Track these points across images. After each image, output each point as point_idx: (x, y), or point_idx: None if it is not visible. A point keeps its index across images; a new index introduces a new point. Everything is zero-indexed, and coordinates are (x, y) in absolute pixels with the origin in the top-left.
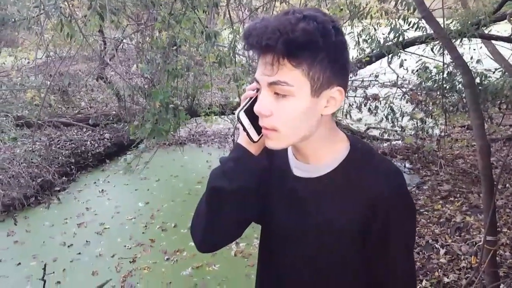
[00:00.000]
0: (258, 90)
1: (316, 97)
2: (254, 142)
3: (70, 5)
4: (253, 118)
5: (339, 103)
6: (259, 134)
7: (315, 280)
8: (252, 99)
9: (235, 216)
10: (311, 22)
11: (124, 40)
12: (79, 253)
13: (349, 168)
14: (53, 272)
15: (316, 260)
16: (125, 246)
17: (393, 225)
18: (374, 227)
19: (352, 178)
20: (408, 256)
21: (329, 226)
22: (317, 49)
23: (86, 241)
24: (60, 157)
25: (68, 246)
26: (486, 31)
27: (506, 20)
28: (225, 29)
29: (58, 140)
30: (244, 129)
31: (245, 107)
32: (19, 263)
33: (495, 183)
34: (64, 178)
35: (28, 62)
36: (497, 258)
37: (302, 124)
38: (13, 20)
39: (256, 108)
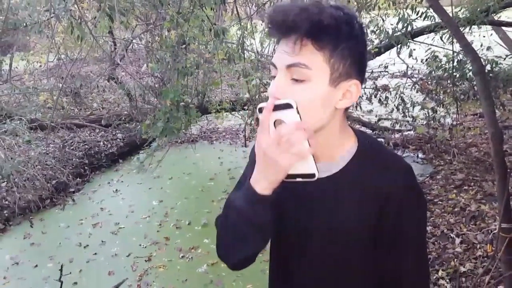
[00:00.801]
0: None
1: (334, 87)
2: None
3: (80, 8)
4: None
5: (355, 97)
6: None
7: (325, 278)
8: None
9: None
10: (338, 10)
11: (134, 40)
12: (95, 254)
13: (359, 166)
14: (70, 273)
15: (327, 258)
16: (140, 245)
17: (405, 221)
18: (386, 224)
19: (362, 176)
20: (421, 251)
21: (340, 224)
22: (341, 36)
23: (102, 241)
24: (73, 159)
25: (84, 247)
26: (496, 18)
27: None
28: (233, 25)
29: (72, 142)
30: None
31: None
32: (36, 265)
33: (508, 170)
34: (78, 179)
35: (40, 66)
36: None
37: (316, 113)
38: (24, 24)
39: (270, 89)
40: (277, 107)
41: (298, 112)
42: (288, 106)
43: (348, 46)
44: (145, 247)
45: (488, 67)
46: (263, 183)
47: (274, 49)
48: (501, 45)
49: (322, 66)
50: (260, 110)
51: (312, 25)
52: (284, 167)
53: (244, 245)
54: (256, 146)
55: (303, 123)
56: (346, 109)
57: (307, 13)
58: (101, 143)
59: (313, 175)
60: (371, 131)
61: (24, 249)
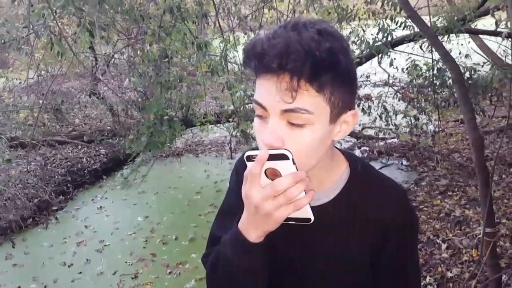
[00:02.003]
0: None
1: (333, 123)
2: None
3: (59, 23)
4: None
5: (352, 127)
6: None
7: None
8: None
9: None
10: (331, 39)
11: (115, 55)
12: (80, 273)
13: (352, 193)
14: None
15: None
16: (126, 262)
17: (404, 245)
18: (386, 251)
19: (356, 203)
20: (417, 270)
21: (337, 255)
22: (340, 70)
23: (87, 260)
24: (56, 176)
25: (69, 266)
26: (472, 26)
27: (490, 15)
28: (215, 38)
29: (54, 159)
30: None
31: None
32: (19, 287)
33: (490, 175)
34: (61, 197)
35: (20, 83)
36: (497, 249)
37: (315, 153)
38: (2, 41)
39: (265, 138)
40: (274, 157)
41: (294, 163)
42: (283, 156)
43: (345, 78)
44: (131, 264)
45: (467, 74)
46: (255, 233)
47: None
48: (478, 53)
49: (323, 106)
50: (248, 158)
51: (313, 68)
52: (281, 219)
53: None
54: (244, 197)
55: (300, 174)
56: None
57: (305, 53)
58: (84, 159)
59: (308, 220)
60: (356, 139)
61: (6, 271)
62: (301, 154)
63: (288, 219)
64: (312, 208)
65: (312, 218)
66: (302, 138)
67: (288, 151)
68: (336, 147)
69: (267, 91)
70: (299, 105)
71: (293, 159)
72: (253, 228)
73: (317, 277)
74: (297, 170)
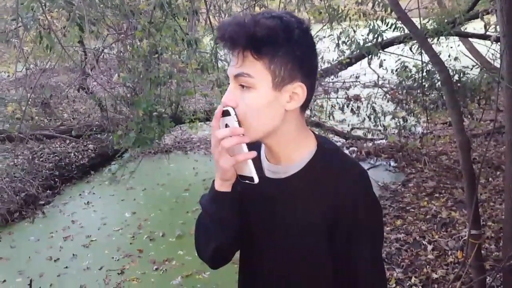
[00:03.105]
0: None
1: (278, 91)
2: (255, 183)
3: (49, 17)
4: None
5: (302, 98)
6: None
7: (285, 276)
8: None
9: (238, 239)
10: (275, 20)
11: (105, 50)
12: (66, 267)
13: (316, 168)
14: None
15: (285, 257)
16: (113, 257)
17: (359, 224)
18: (341, 226)
19: (319, 177)
20: (374, 256)
21: (297, 224)
22: (278, 44)
23: (73, 255)
24: (43, 170)
25: (55, 261)
26: (462, 29)
27: (479, 18)
28: (206, 35)
29: (41, 153)
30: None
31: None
32: (4, 280)
33: (476, 177)
34: (48, 191)
35: (8, 76)
36: (482, 251)
37: (265, 117)
38: None
39: (223, 99)
40: (224, 113)
41: (237, 119)
42: (228, 113)
43: (286, 51)
44: (118, 259)
45: (456, 77)
46: (217, 181)
47: None
48: (467, 56)
49: (263, 73)
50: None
51: (248, 38)
52: (224, 168)
53: (207, 238)
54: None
55: (238, 129)
56: (302, 112)
57: (243, 28)
58: (72, 154)
59: (252, 179)
60: (344, 139)
61: None
62: (250, 115)
63: (241, 177)
64: (279, 180)
65: (256, 179)
66: (248, 99)
67: (232, 108)
68: (313, 131)
69: (230, 66)
70: (243, 70)
71: (236, 115)
72: (216, 177)
73: (275, 249)
74: (239, 126)
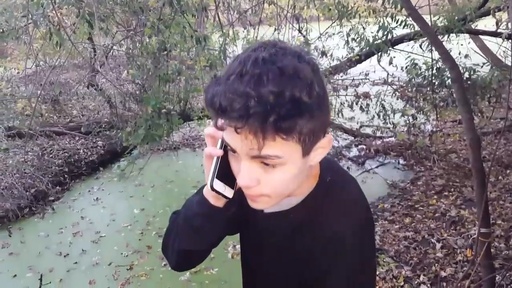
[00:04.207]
0: (222, 143)
1: (307, 155)
2: (229, 199)
3: (59, 14)
4: (224, 173)
5: (328, 149)
6: (232, 187)
7: None
8: (219, 159)
9: (207, 254)
10: (295, 81)
11: (114, 47)
12: (76, 263)
13: (312, 204)
14: (50, 283)
15: None
16: (122, 253)
17: (339, 260)
18: (323, 261)
19: (314, 215)
20: None
21: (291, 257)
22: (307, 112)
23: (82, 250)
24: (53, 167)
25: (64, 256)
26: (473, 26)
27: (491, 15)
28: (214, 32)
29: (51, 150)
30: (219, 193)
31: (215, 173)
32: (15, 275)
33: (486, 176)
34: (58, 187)
35: (18, 72)
36: (492, 250)
37: (294, 183)
38: (1, 30)
39: (241, 181)
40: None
41: (221, 145)
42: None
43: (314, 112)
44: (127, 255)
45: (466, 75)
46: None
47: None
48: (478, 53)
49: (293, 147)
50: (213, 188)
51: (278, 123)
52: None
53: (190, 259)
54: None
55: (214, 152)
56: None
57: (266, 109)
58: (81, 150)
59: (225, 196)
60: (353, 137)
61: (2, 259)
62: (280, 189)
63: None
64: (275, 213)
65: (230, 196)
66: (277, 177)
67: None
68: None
69: (233, 140)
70: (269, 152)
71: (222, 143)
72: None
73: (272, 281)
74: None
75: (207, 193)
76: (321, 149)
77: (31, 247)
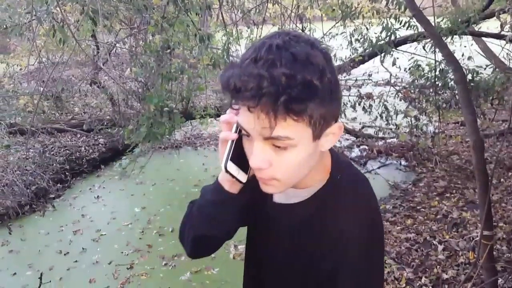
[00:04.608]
0: (238, 127)
1: (318, 139)
2: (243, 183)
3: (62, 11)
4: (238, 158)
5: (338, 136)
6: (246, 172)
7: None
8: (234, 142)
9: (222, 242)
10: (307, 66)
11: (117, 45)
12: (76, 261)
13: (323, 199)
14: (50, 281)
15: (286, 284)
16: (122, 252)
17: (348, 262)
18: (329, 260)
19: (323, 211)
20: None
21: (296, 252)
22: (318, 95)
23: (83, 249)
24: (54, 164)
25: (65, 254)
26: (476, 28)
27: (495, 17)
28: (218, 31)
29: (52, 147)
30: (233, 176)
31: (230, 155)
32: (15, 273)
33: (489, 178)
34: (59, 185)
35: (21, 69)
36: (494, 252)
37: (305, 168)
38: (4, 26)
39: (253, 163)
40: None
41: (236, 129)
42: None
43: (324, 98)
44: (127, 254)
45: (469, 77)
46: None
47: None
48: (481, 54)
49: (304, 129)
50: (227, 170)
51: (287, 103)
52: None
53: (207, 245)
54: None
55: (229, 136)
56: None
57: (278, 89)
58: (83, 148)
59: (239, 180)
60: (355, 138)
61: (2, 257)
62: (291, 173)
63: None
64: (284, 205)
65: (243, 180)
66: (288, 159)
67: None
68: (330, 150)
69: (247, 121)
70: (280, 134)
71: (236, 127)
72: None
73: (276, 273)
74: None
75: (222, 179)
76: (332, 135)
77: (31, 245)
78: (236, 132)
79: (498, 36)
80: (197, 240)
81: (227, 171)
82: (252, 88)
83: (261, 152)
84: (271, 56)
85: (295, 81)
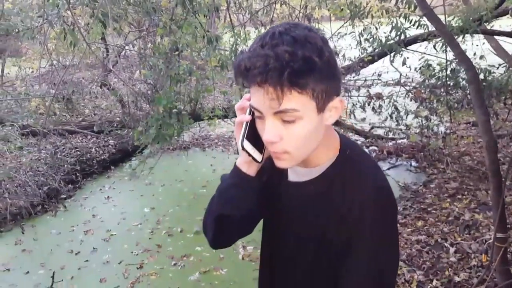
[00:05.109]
0: (251, 110)
1: (322, 112)
2: (259, 162)
3: (73, 14)
4: (253, 139)
5: (341, 110)
6: (261, 152)
7: (299, 282)
8: (249, 122)
9: (242, 229)
10: (306, 45)
11: (127, 47)
12: (87, 261)
13: (333, 175)
14: (62, 280)
15: (298, 263)
16: (132, 252)
17: (361, 236)
18: (342, 236)
19: (334, 185)
20: (374, 274)
21: (308, 230)
22: (318, 70)
23: (93, 248)
24: (65, 165)
25: (76, 254)
26: (488, 27)
27: (508, 15)
28: (226, 32)
29: (63, 148)
30: (249, 155)
31: (245, 134)
32: (28, 272)
33: (503, 179)
34: (70, 185)
35: (32, 72)
36: (508, 255)
37: (312, 141)
38: (16, 30)
39: (266, 138)
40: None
41: (250, 112)
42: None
43: (324, 74)
44: (137, 254)
45: (481, 76)
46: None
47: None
48: (494, 53)
49: (308, 103)
50: (243, 147)
51: (292, 77)
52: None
53: (227, 230)
54: None
55: (241, 118)
56: None
57: (283, 65)
58: (93, 149)
59: (255, 159)
60: (364, 139)
61: (15, 256)
62: (300, 145)
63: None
64: (299, 183)
65: (259, 159)
66: (296, 131)
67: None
68: (338, 132)
69: (258, 99)
70: (287, 107)
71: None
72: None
73: (291, 252)
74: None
75: (239, 162)
76: (335, 109)
77: (43, 244)
78: (249, 114)
79: (511, 34)
80: (218, 221)
81: (243, 149)
82: (260, 65)
83: (272, 127)
84: (274, 40)
85: (296, 56)
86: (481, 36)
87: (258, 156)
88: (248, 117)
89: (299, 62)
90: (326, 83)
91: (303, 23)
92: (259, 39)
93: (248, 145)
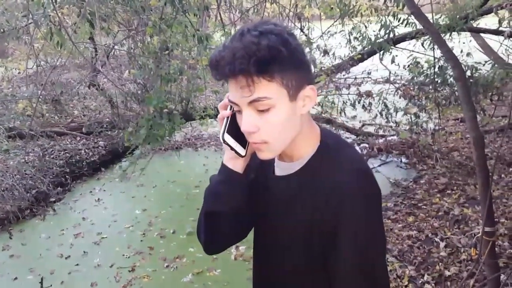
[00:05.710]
0: (231, 107)
1: (294, 100)
2: (242, 157)
3: (60, 13)
4: (236, 135)
5: (314, 99)
6: (244, 147)
7: (287, 274)
8: (230, 117)
9: (233, 230)
10: (271, 36)
11: (116, 47)
12: (77, 264)
13: (316, 165)
14: (51, 285)
15: (286, 255)
16: (124, 255)
17: (343, 222)
18: (326, 224)
19: (316, 175)
20: (358, 261)
21: (295, 222)
22: (283, 58)
23: (84, 252)
24: (54, 167)
25: (66, 258)
26: (474, 25)
27: (493, 13)
28: (216, 31)
29: (52, 150)
30: (232, 148)
31: (226, 128)
32: (16, 278)
33: (490, 174)
34: (59, 188)
35: (19, 73)
36: (496, 248)
37: (288, 129)
38: (2, 30)
39: (243, 128)
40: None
41: (230, 108)
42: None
43: (291, 62)
44: (129, 257)
45: (468, 73)
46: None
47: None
48: (480, 51)
49: (279, 90)
50: (224, 141)
51: (258, 65)
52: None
53: (217, 230)
54: None
55: (224, 114)
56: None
57: (248, 56)
58: (83, 151)
59: (239, 154)
60: (355, 136)
61: (3, 261)
62: (276, 133)
63: (232, 148)
64: (282, 177)
65: (242, 153)
66: (271, 120)
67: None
68: (319, 125)
69: (233, 91)
70: (259, 95)
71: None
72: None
73: (278, 247)
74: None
75: (225, 159)
76: (308, 98)
77: (32, 249)
78: (230, 110)
79: (496, 32)
80: (207, 219)
81: (224, 142)
82: (228, 57)
83: (248, 117)
84: (243, 35)
85: (261, 46)
86: (468, 34)
87: (241, 150)
88: (227, 112)
89: (264, 50)
90: (295, 71)
91: (273, 20)
92: (231, 37)
93: (229, 139)
